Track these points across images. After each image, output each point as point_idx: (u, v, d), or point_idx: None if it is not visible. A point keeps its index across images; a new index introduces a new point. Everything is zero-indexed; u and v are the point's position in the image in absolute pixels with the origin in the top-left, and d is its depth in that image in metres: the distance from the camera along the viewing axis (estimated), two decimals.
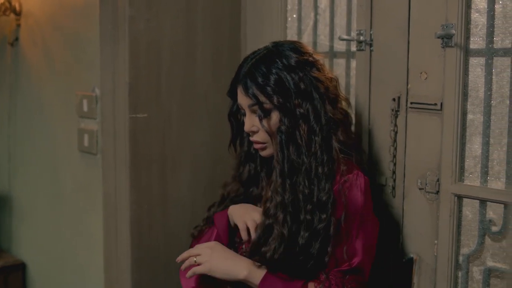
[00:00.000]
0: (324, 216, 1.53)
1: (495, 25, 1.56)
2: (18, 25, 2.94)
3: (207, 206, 1.85)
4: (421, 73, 1.69)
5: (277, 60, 1.59)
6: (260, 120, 1.59)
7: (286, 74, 1.58)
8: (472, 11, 1.60)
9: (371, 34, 1.80)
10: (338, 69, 2.00)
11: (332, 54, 2.02)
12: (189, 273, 1.62)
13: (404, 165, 1.75)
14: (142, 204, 2.13)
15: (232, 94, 1.69)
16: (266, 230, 1.57)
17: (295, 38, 2.12)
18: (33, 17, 2.84)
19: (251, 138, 1.66)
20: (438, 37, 1.61)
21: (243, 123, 1.69)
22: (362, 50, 1.83)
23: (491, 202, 1.59)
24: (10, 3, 2.89)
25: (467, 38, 1.60)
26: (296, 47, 1.64)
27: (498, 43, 1.56)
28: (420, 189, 1.71)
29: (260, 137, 1.63)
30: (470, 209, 1.64)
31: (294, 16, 2.14)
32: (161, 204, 2.17)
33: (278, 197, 1.56)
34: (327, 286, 1.50)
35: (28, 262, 3.05)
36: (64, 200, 2.72)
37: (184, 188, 2.22)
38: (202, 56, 2.23)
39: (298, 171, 1.56)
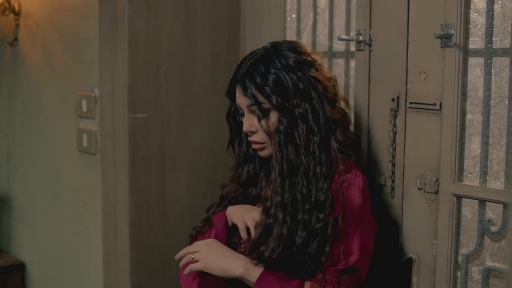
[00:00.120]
0: (322, 216, 1.53)
1: (494, 25, 1.56)
2: (17, 25, 2.94)
3: (206, 207, 1.85)
4: (420, 73, 1.69)
5: (276, 60, 1.59)
6: (259, 120, 1.59)
7: (284, 74, 1.58)
8: (471, 11, 1.60)
9: (370, 34, 1.80)
10: (337, 69, 2.00)
11: (331, 54, 2.02)
12: (186, 270, 1.63)
13: (403, 165, 1.75)
14: (141, 204, 2.13)
15: (231, 95, 1.69)
16: (266, 230, 1.58)
17: (294, 38, 2.12)
18: (32, 17, 2.84)
19: (250, 138, 1.66)
20: (437, 37, 1.61)
21: (241, 124, 1.69)
22: (361, 50, 1.83)
23: (490, 202, 1.59)
24: (9, 3, 2.89)
25: (466, 38, 1.60)
26: (294, 47, 1.64)
27: (497, 43, 1.56)
28: (419, 189, 1.71)
29: (258, 137, 1.63)
30: (469, 209, 1.64)
31: (293, 16, 2.14)
32: (160, 204, 2.17)
33: (277, 197, 1.56)
34: (323, 285, 1.50)
35: (27, 262, 3.05)
36: (63, 200, 2.72)
37: (183, 188, 2.22)
38: (201, 56, 2.23)
39: (296, 171, 1.56)
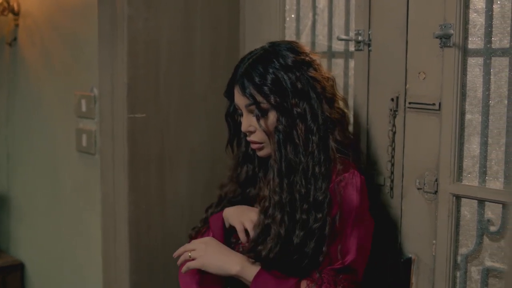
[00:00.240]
0: (319, 215, 1.53)
1: (493, 25, 1.56)
2: (17, 25, 2.94)
3: (205, 207, 1.85)
4: (419, 73, 1.69)
5: (274, 60, 1.59)
6: (258, 120, 1.59)
7: (283, 74, 1.58)
8: (470, 11, 1.60)
9: (369, 34, 1.80)
10: (336, 69, 2.00)
11: (331, 54, 2.02)
12: (184, 268, 1.63)
13: (402, 165, 1.75)
14: (140, 204, 2.13)
15: (229, 95, 1.70)
16: (264, 230, 1.58)
17: (293, 38, 2.12)
18: (31, 17, 2.84)
19: (248, 138, 1.66)
20: (436, 37, 1.61)
21: (240, 124, 1.69)
22: (361, 50, 1.83)
23: (489, 202, 1.59)
24: (8, 3, 2.89)
25: (465, 38, 1.60)
26: (292, 47, 1.64)
27: (496, 43, 1.56)
28: (418, 189, 1.71)
29: (257, 137, 1.63)
30: (468, 209, 1.64)
31: (293, 16, 2.14)
32: (160, 204, 2.17)
33: (276, 197, 1.56)
34: (319, 284, 1.50)
35: (27, 262, 3.05)
36: (63, 200, 2.72)
37: (182, 188, 2.22)
38: (201, 56, 2.23)
39: (295, 170, 1.56)
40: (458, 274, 1.66)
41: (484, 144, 1.59)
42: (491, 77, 1.57)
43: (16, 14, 2.91)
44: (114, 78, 2.13)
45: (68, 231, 2.70)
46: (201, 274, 1.65)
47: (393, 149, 1.76)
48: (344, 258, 1.52)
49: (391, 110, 1.75)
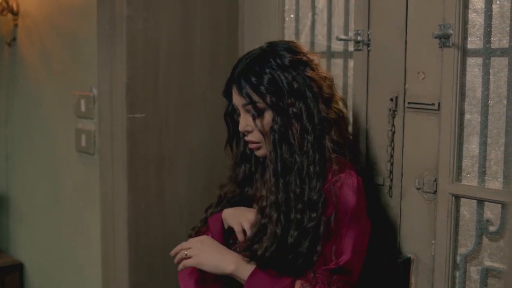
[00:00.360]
0: (314, 215, 1.53)
1: (493, 25, 1.56)
2: (16, 25, 2.94)
3: (205, 207, 1.85)
4: (418, 73, 1.69)
5: (271, 60, 1.60)
6: (254, 119, 1.60)
7: (279, 74, 1.58)
8: (470, 11, 1.60)
9: (368, 34, 1.80)
10: (335, 69, 2.00)
11: (330, 54, 2.02)
12: (180, 266, 1.65)
13: (402, 165, 1.75)
14: (139, 204, 2.13)
15: (227, 94, 1.70)
16: (260, 229, 1.58)
17: (292, 38, 2.12)
18: (30, 17, 2.84)
19: (246, 138, 1.67)
20: (436, 37, 1.61)
21: (239, 123, 1.69)
22: (360, 50, 1.83)
23: (488, 202, 1.59)
24: (7, 3, 2.89)
25: (465, 38, 1.60)
26: (290, 47, 1.64)
27: (495, 43, 1.56)
28: (417, 189, 1.71)
29: (254, 136, 1.63)
30: (467, 209, 1.64)
31: (292, 16, 2.14)
32: (159, 204, 2.17)
33: (272, 197, 1.57)
34: (313, 284, 1.50)
35: (26, 262, 3.05)
36: (62, 200, 2.72)
37: (181, 188, 2.22)
38: (200, 56, 2.23)
39: (290, 170, 1.56)
40: (457, 274, 1.66)
41: (483, 144, 1.60)
42: (490, 77, 1.57)
43: (15, 14, 2.91)
44: (113, 78, 2.13)
45: (67, 231, 2.70)
46: (200, 273, 1.65)
47: (392, 149, 1.76)
48: (338, 259, 1.52)
49: (390, 110, 1.75)
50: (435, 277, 1.67)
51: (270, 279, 1.53)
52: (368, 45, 1.81)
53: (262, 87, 1.58)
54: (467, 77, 1.61)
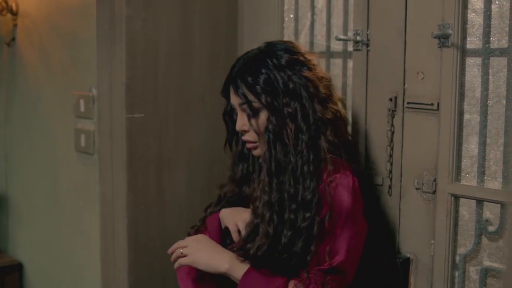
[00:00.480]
0: (308, 215, 1.53)
1: (492, 25, 1.56)
2: (15, 25, 2.93)
3: (204, 206, 1.85)
4: (417, 73, 1.69)
5: (268, 60, 1.60)
6: (249, 119, 1.60)
7: (275, 74, 1.58)
8: (469, 11, 1.60)
9: (367, 34, 1.81)
10: (335, 69, 2.00)
11: (329, 54, 2.02)
12: (176, 264, 1.66)
13: (401, 165, 1.75)
14: (139, 204, 2.13)
15: (226, 94, 1.70)
16: (254, 229, 1.59)
17: (292, 38, 2.12)
18: (29, 17, 2.84)
19: (243, 138, 1.67)
20: (435, 37, 1.61)
21: None
22: (359, 50, 1.83)
23: (487, 202, 1.59)
24: (6, 3, 2.89)
25: (464, 38, 1.60)
26: (288, 47, 1.64)
27: (494, 43, 1.57)
28: (416, 189, 1.71)
29: (251, 136, 1.64)
30: (466, 209, 1.64)
31: (291, 16, 2.14)
32: (158, 204, 2.17)
33: (265, 196, 1.57)
34: (307, 284, 1.50)
35: (25, 262, 3.05)
36: (61, 200, 2.72)
37: (181, 188, 2.22)
38: (199, 56, 2.23)
39: (285, 170, 1.56)
40: (456, 274, 1.66)
41: (483, 144, 1.60)
42: (490, 77, 1.57)
43: (15, 14, 2.91)
44: (112, 78, 2.13)
45: (66, 231, 2.70)
46: (198, 272, 1.66)
47: (392, 149, 1.76)
48: (332, 259, 1.51)
49: (389, 110, 1.75)
50: (434, 277, 1.67)
51: (263, 278, 1.53)
52: (367, 45, 1.81)
53: (257, 87, 1.58)
54: (466, 77, 1.61)
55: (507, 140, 1.55)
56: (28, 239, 3.02)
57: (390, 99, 1.75)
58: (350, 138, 1.79)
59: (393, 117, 1.75)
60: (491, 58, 1.57)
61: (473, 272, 1.64)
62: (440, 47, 1.62)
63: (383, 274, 1.78)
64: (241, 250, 1.58)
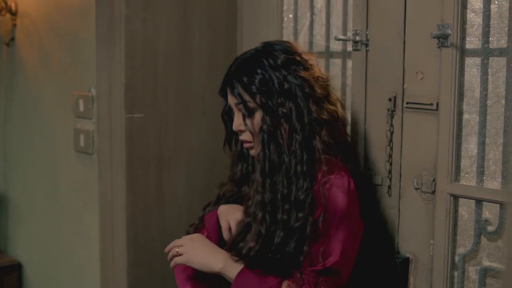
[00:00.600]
0: (300, 215, 1.52)
1: (491, 25, 1.56)
2: (14, 25, 2.93)
3: (203, 205, 1.86)
4: (417, 73, 1.69)
5: (264, 60, 1.60)
6: (244, 119, 1.60)
7: (271, 74, 1.58)
8: (468, 11, 1.60)
9: (367, 34, 1.81)
10: (334, 69, 2.00)
11: (328, 54, 2.02)
12: (172, 263, 1.67)
13: (400, 165, 1.75)
14: (138, 204, 2.13)
15: (224, 94, 1.70)
16: (244, 228, 1.59)
17: (291, 38, 2.12)
18: (29, 17, 2.84)
19: (240, 137, 1.67)
20: (434, 37, 1.61)
21: None
22: (358, 50, 1.83)
23: (487, 202, 1.59)
24: (6, 3, 2.89)
25: (463, 38, 1.60)
26: (285, 47, 1.64)
27: (493, 43, 1.57)
28: (416, 189, 1.71)
29: (247, 136, 1.64)
30: (466, 209, 1.64)
31: (290, 16, 2.14)
32: (158, 204, 2.17)
33: (258, 196, 1.57)
34: (300, 285, 1.50)
35: (24, 262, 3.05)
36: (60, 200, 2.72)
37: (180, 188, 2.22)
38: (199, 56, 2.23)
39: (278, 170, 1.56)
40: (455, 274, 1.66)
41: (482, 144, 1.60)
42: (489, 77, 1.58)
43: (14, 14, 2.91)
44: (112, 78, 2.13)
45: (66, 231, 2.70)
46: (194, 269, 1.66)
47: (391, 149, 1.76)
48: (325, 260, 1.51)
49: (388, 110, 1.75)
50: (434, 277, 1.67)
51: (257, 278, 1.53)
52: (367, 45, 1.81)
53: (253, 87, 1.58)
54: (465, 77, 1.61)
55: (506, 140, 1.55)
56: (28, 239, 3.02)
57: (390, 99, 1.75)
58: (349, 138, 1.78)
59: (392, 117, 1.75)
60: (490, 58, 1.57)
61: (472, 272, 1.64)
62: (440, 47, 1.62)
63: (382, 274, 1.78)
64: (233, 249, 1.59)
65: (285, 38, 2.13)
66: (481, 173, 1.60)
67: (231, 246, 1.60)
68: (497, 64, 1.56)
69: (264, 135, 1.57)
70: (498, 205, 1.57)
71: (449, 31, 1.59)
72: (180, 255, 1.64)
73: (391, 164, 1.76)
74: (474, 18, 1.59)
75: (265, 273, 1.54)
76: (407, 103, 1.72)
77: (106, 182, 2.20)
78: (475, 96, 1.60)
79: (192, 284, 1.68)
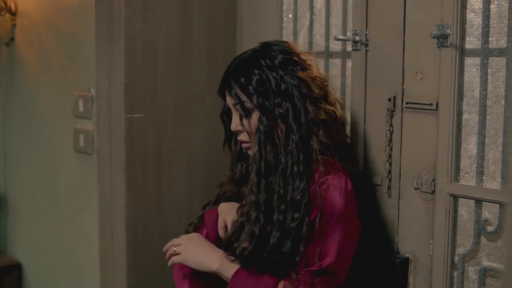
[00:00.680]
0: (296, 215, 1.52)
1: (490, 25, 1.56)
2: (14, 25, 2.93)
3: (203, 205, 1.86)
4: (416, 73, 1.69)
5: (261, 60, 1.60)
6: (241, 119, 1.60)
7: (268, 74, 1.58)
8: (468, 11, 1.60)
9: (366, 34, 1.81)
10: (333, 69, 2.00)
11: (328, 54, 2.02)
12: (169, 262, 1.67)
13: (400, 165, 1.75)
14: (138, 204, 2.13)
15: (222, 94, 1.70)
16: (238, 228, 1.60)
17: (291, 38, 2.12)
18: (28, 17, 2.84)
19: (238, 138, 1.68)
20: (434, 37, 1.61)
21: None
22: (358, 50, 1.83)
23: (486, 202, 1.59)
24: (5, 3, 2.88)
25: (463, 38, 1.60)
26: (282, 47, 1.64)
27: (493, 43, 1.57)
28: (415, 189, 1.71)
29: (244, 136, 1.64)
30: (465, 209, 1.64)
31: (290, 16, 2.14)
32: (157, 204, 2.17)
33: (252, 197, 1.57)
34: (296, 285, 1.50)
35: (24, 262, 3.05)
36: (60, 200, 2.72)
37: (180, 188, 2.22)
38: (198, 56, 2.23)
39: (275, 170, 1.56)
40: (455, 274, 1.66)
41: (481, 144, 1.60)
42: (488, 77, 1.58)
43: (13, 14, 2.91)
44: (111, 78, 2.13)
45: (65, 231, 2.70)
46: (192, 268, 1.66)
47: (391, 149, 1.76)
48: (322, 261, 1.50)
49: (388, 110, 1.75)
50: (433, 277, 1.67)
51: (253, 278, 1.53)
52: (366, 45, 1.81)
53: (250, 87, 1.58)
54: (465, 77, 1.61)
55: (506, 140, 1.55)
56: (27, 239, 3.01)
57: (389, 99, 1.75)
58: (348, 139, 1.77)
59: (392, 117, 1.75)
60: (490, 58, 1.57)
61: (472, 272, 1.64)
62: (439, 47, 1.62)
63: (382, 274, 1.78)
64: (228, 249, 1.59)
65: (284, 38, 2.13)
66: (480, 173, 1.60)
67: (227, 246, 1.60)
68: (497, 64, 1.56)
69: (260, 136, 1.57)
70: (497, 205, 1.57)
71: (449, 31, 1.59)
72: (178, 254, 1.64)
73: (390, 164, 1.76)
74: (474, 18, 1.59)
75: (261, 273, 1.54)
76: (407, 103, 1.72)
77: (106, 182, 2.20)
78: (474, 96, 1.60)
79: (189, 283, 1.68)
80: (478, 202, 1.61)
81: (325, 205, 1.52)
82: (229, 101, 1.65)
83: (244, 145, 1.67)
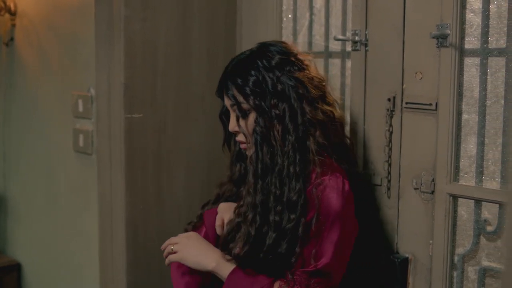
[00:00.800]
0: (293, 216, 1.52)
1: (490, 25, 1.57)
2: (13, 25, 2.93)
3: (202, 204, 1.86)
4: (416, 73, 1.69)
5: (258, 61, 1.60)
6: (238, 120, 1.60)
7: (265, 75, 1.58)
8: (467, 11, 1.60)
9: (366, 34, 1.81)
10: (333, 69, 2.00)
11: (327, 54, 2.02)
12: (166, 261, 1.68)
13: (399, 165, 1.75)
14: (137, 204, 2.13)
15: (220, 94, 1.70)
16: (234, 228, 1.60)
17: (290, 38, 2.12)
18: (28, 17, 2.84)
19: (236, 138, 1.68)
20: (433, 37, 1.61)
21: None
22: (357, 50, 1.83)
23: (486, 202, 1.59)
24: (5, 3, 2.88)
25: (462, 38, 1.60)
26: (280, 47, 1.64)
27: (493, 43, 1.57)
28: (415, 189, 1.71)
29: (242, 137, 1.64)
30: (465, 209, 1.64)
31: (290, 16, 2.14)
32: (157, 204, 2.17)
33: (249, 198, 1.57)
34: (291, 285, 1.50)
35: (24, 262, 3.05)
36: (60, 201, 2.72)
37: (179, 188, 2.22)
38: (198, 56, 2.23)
39: (271, 171, 1.56)
40: (455, 274, 1.66)
41: (481, 144, 1.60)
42: (488, 77, 1.58)
43: (13, 14, 2.91)
44: (111, 78, 2.13)
45: (65, 231, 2.70)
46: (189, 267, 1.66)
47: (390, 149, 1.76)
48: (317, 261, 1.50)
49: (388, 110, 1.76)
50: (433, 277, 1.67)
51: (249, 278, 1.53)
52: (366, 45, 1.81)
53: (247, 88, 1.58)
54: (464, 77, 1.61)
55: (506, 140, 1.55)
56: (27, 239, 3.01)
57: (389, 99, 1.75)
58: (347, 139, 1.76)
59: (391, 117, 1.75)
60: (489, 58, 1.57)
61: (471, 272, 1.64)
62: (439, 47, 1.63)
63: (381, 274, 1.78)
64: (224, 248, 1.60)
65: (284, 38, 2.13)
66: (480, 173, 1.60)
67: (223, 246, 1.60)
68: (496, 64, 1.56)
69: (257, 137, 1.57)
70: (497, 205, 1.57)
71: (448, 31, 1.59)
72: (175, 252, 1.65)
73: (390, 164, 1.76)
74: (473, 18, 1.59)
75: (257, 273, 1.54)
76: (406, 103, 1.72)
77: (105, 182, 2.20)
78: (474, 96, 1.60)
79: (186, 281, 1.68)
80: (478, 202, 1.61)
81: (321, 206, 1.51)
82: (227, 102, 1.65)
83: (242, 146, 1.67)
